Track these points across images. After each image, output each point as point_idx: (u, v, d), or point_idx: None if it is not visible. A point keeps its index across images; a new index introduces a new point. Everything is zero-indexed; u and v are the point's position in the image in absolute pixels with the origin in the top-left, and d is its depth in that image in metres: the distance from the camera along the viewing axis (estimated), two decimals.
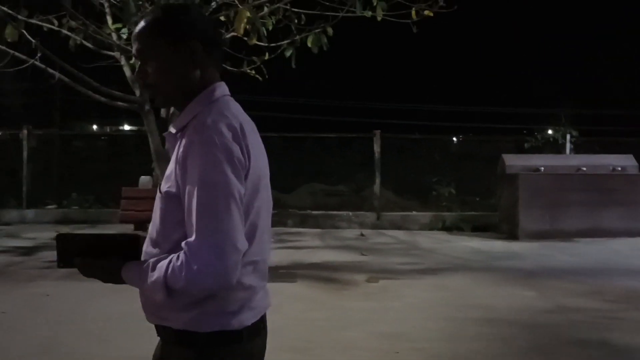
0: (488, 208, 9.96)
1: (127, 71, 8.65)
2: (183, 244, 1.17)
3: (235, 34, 6.98)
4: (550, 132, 10.36)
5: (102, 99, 8.72)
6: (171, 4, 1.43)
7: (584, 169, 8.91)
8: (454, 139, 11.26)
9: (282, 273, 6.05)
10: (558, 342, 4.11)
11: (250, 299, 1.27)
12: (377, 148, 10.27)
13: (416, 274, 6.23)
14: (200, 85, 1.30)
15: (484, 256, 7.34)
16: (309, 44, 7.20)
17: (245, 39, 7.21)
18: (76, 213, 10.07)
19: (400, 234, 9.30)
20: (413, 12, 7.63)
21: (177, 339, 1.26)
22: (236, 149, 1.20)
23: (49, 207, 10.27)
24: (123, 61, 8.54)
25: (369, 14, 7.78)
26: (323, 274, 6.21)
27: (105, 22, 8.54)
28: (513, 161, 9.18)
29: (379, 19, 7.72)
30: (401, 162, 10.51)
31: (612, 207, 8.62)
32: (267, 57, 8.31)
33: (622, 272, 6.32)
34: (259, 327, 1.32)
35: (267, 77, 8.78)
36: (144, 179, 6.52)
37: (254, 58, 8.64)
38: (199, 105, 1.28)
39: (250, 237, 1.23)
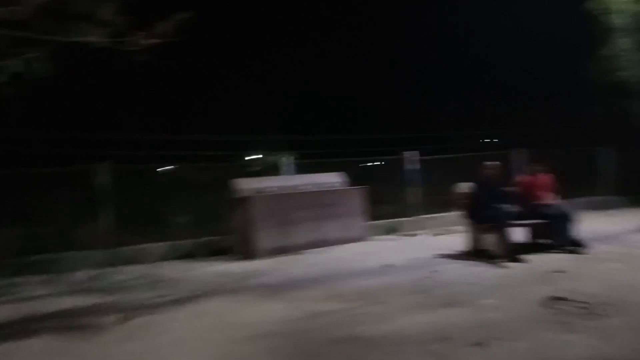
0: (222, 232, 10.25)
1: None
2: None
3: None
4: (270, 157, 11.25)
5: None
6: None
7: (307, 187, 9.94)
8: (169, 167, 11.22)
9: (17, 330, 5.23)
10: (319, 343, 4.52)
11: None
12: (103, 180, 9.67)
13: (171, 306, 6.08)
14: None
15: (231, 278, 7.57)
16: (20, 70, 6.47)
17: None
18: None
19: (138, 268, 8.91)
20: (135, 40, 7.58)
21: None
22: None
23: None
24: None
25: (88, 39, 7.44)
26: (66, 323, 5.58)
27: None
28: (243, 185, 9.70)
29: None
30: (130, 193, 10.05)
31: (331, 220, 9.81)
32: None
33: (351, 274, 7.24)
34: None
35: None
36: None
37: None
38: None
39: None
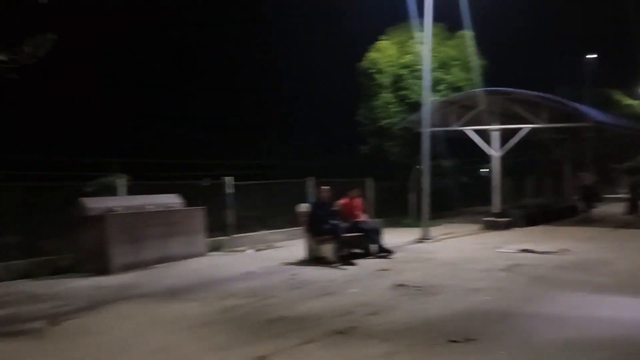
0: (61, 251, 10.23)
1: None
2: None
3: None
4: (106, 178, 11.53)
5: None
6: None
7: (151, 207, 10.65)
8: None
9: None
10: (258, 323, 5.80)
11: None
12: None
13: (85, 312, 6.51)
14: None
15: (109, 290, 8.00)
16: None
17: None
18: None
19: None
20: None
21: None
22: None
23: None
24: None
25: None
26: (8, 329, 5.72)
27: None
28: (92, 204, 9.98)
29: None
30: None
31: (175, 237, 10.69)
32: None
33: (223, 280, 8.40)
34: None
35: None
36: None
37: None
38: None
39: None
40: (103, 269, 9.48)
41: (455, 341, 4.87)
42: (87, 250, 9.82)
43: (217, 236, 13.10)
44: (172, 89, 26.56)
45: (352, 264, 9.28)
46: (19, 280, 9.32)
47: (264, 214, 15.04)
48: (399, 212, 17.77)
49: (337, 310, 6.19)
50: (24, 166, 12.83)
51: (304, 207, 10.23)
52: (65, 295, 7.72)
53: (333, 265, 9.22)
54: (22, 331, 5.72)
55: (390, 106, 17.99)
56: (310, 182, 15.51)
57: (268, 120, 28.52)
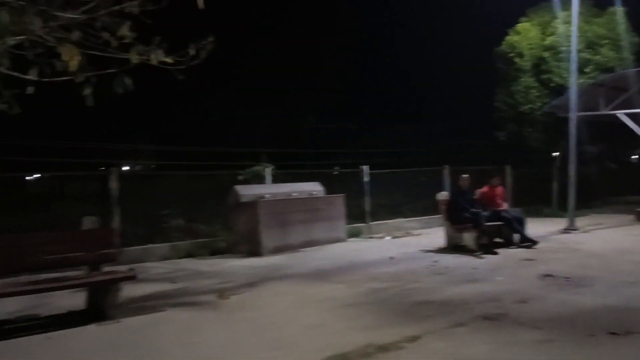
0: (218, 234, 11.27)
1: None
2: None
3: None
4: (255, 167, 12.47)
5: None
6: None
7: (296, 194, 11.33)
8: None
9: (148, 306, 6.18)
10: (404, 305, 6.04)
11: None
12: (114, 185, 10.35)
13: (246, 288, 7.23)
14: None
15: (262, 270, 8.76)
16: (116, 85, 7.28)
17: None
18: None
19: (160, 265, 9.74)
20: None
21: None
22: None
23: None
24: None
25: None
26: (178, 301, 6.57)
27: None
28: (244, 191, 10.88)
29: (134, 61, 8.35)
30: (137, 198, 10.77)
31: (318, 222, 11.29)
32: (30, 91, 7.79)
33: (367, 264, 8.78)
34: None
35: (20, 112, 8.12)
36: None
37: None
38: None
39: None
40: (255, 251, 10.32)
41: (614, 333, 4.74)
42: (241, 234, 10.73)
43: (354, 223, 13.57)
44: (308, 81, 27.59)
45: (494, 253, 9.18)
46: (184, 259, 10.45)
47: (399, 202, 15.26)
48: (539, 201, 17.03)
49: (484, 297, 6.23)
50: (185, 157, 14.25)
51: (443, 195, 10.28)
52: (226, 273, 8.56)
53: (474, 253, 9.19)
54: (197, 302, 6.51)
55: (531, 91, 17.27)
56: (446, 170, 15.41)
57: (399, 108, 28.61)
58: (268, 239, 10.41)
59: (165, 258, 10.59)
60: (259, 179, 12.39)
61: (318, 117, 26.88)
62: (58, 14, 7.02)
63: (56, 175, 11.68)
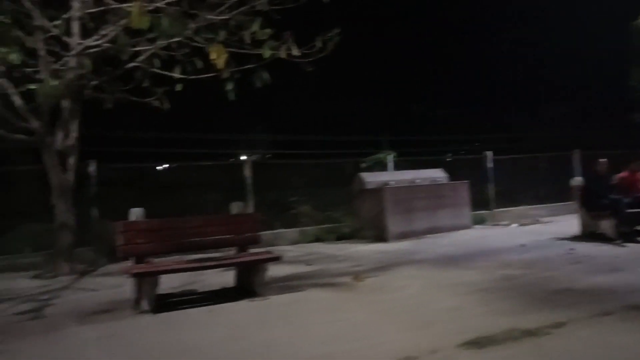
0: (343, 220, 11.66)
1: (18, 100, 7.84)
2: None
3: None
4: (378, 155, 12.72)
5: None
6: None
7: (420, 181, 11.40)
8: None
9: (289, 285, 6.66)
10: (542, 293, 5.95)
11: None
12: (248, 173, 11.09)
13: (378, 272, 7.49)
14: None
15: (390, 255, 8.98)
16: (256, 79, 7.89)
17: None
18: None
19: (292, 248, 10.31)
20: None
21: None
22: None
23: None
24: (11, 89, 7.74)
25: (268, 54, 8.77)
26: (317, 281, 6.99)
27: None
28: (369, 178, 11.14)
29: (266, 56, 8.80)
30: (264, 185, 11.46)
31: (442, 209, 11.28)
32: (179, 87, 8.59)
33: (497, 251, 8.68)
34: None
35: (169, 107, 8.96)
36: (135, 211, 6.24)
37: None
38: None
39: None
40: (381, 237, 10.55)
41: None
42: (366, 220, 11.02)
43: (477, 210, 13.35)
44: (424, 67, 27.24)
45: (637, 242, 8.66)
46: (312, 244, 10.95)
47: (523, 188, 14.74)
48: None
49: (630, 287, 5.97)
50: (302, 146, 14.85)
51: (578, 181, 9.83)
52: (356, 257, 8.88)
53: (614, 242, 8.73)
54: (334, 284, 6.87)
55: None
56: (577, 155, 14.63)
57: (517, 91, 27.30)
58: (393, 225, 10.60)
59: (294, 242, 11.17)
60: (381, 166, 12.61)
61: (433, 103, 26.48)
62: (208, 16, 7.70)
63: (199, 164, 12.59)
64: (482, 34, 28.54)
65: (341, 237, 11.28)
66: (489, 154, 13.80)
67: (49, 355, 4.57)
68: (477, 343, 4.33)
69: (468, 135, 18.99)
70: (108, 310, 5.93)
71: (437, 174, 11.93)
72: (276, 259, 6.38)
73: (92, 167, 9.41)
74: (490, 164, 13.76)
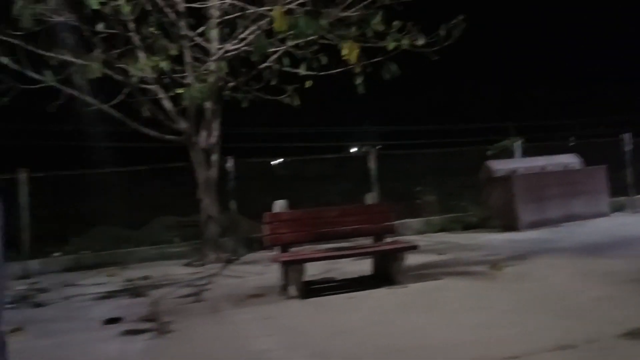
0: (468, 209, 11.49)
1: (167, 104, 8.58)
2: None
3: None
4: (505, 141, 12.36)
5: (152, 132, 8.51)
6: None
7: (551, 167, 10.94)
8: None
9: (425, 273, 6.79)
10: None
11: None
12: (372, 164, 11.30)
13: (515, 261, 7.36)
14: None
15: (523, 244, 8.74)
16: (385, 72, 8.06)
17: None
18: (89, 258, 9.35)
19: (417, 238, 10.36)
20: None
21: None
22: None
23: (55, 254, 9.36)
24: (162, 94, 8.47)
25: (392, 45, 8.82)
26: (451, 270, 7.04)
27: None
28: (497, 166, 10.88)
29: (390, 47, 8.81)
30: (390, 175, 11.60)
31: (577, 196, 10.75)
32: (309, 84, 8.94)
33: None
34: None
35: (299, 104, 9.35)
36: (279, 203, 6.69)
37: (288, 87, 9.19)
38: None
39: None
40: (511, 226, 10.29)
41: None
42: (494, 209, 10.79)
43: (614, 197, 12.53)
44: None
45: None
46: (438, 233, 10.92)
47: None
48: None
49: None
50: (430, 135, 14.76)
51: None
52: (489, 246, 8.76)
53: None
54: (471, 272, 6.87)
55: None
56: None
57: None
58: (524, 213, 10.29)
59: (420, 232, 11.20)
60: (507, 154, 12.24)
61: (558, 86, 25.07)
62: (340, 13, 7.96)
63: (322, 157, 13.01)
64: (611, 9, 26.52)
65: (468, 227, 11.14)
66: (627, 136, 12.89)
67: (217, 333, 5.05)
68: (638, 334, 4.18)
69: (600, 117, 17.79)
70: (258, 295, 6.39)
71: (570, 160, 11.37)
72: (413, 248, 6.51)
73: (229, 163, 10.09)
74: (628, 147, 12.86)
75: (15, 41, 7.32)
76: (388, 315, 5.16)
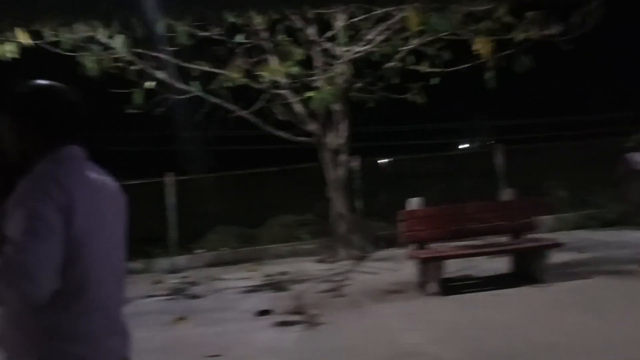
0: (606, 205, 10.80)
1: (298, 107, 8.95)
2: None
3: None
4: None
5: (284, 134, 8.95)
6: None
7: None
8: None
9: (569, 272, 6.56)
10: None
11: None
12: (499, 160, 11.03)
13: None
14: (39, 149, 1.54)
15: None
16: (517, 65, 7.89)
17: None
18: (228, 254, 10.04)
19: (551, 236, 9.94)
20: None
21: None
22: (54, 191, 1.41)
23: (198, 251, 10.17)
24: (292, 98, 8.84)
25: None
26: (597, 269, 6.73)
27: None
28: (637, 158, 10.12)
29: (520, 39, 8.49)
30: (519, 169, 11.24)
31: None
32: (435, 81, 8.92)
33: None
34: None
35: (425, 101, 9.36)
36: (414, 201, 6.81)
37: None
38: (42, 162, 1.52)
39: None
40: None
41: None
42: (636, 204, 10.06)
43: None
44: None
45: None
46: (573, 231, 10.38)
47: None
48: None
49: None
50: (565, 127, 14.08)
51: None
52: (633, 244, 8.20)
53: None
54: (621, 271, 6.51)
55: None
56: None
57: None
58: None
59: (552, 230, 10.68)
60: None
61: None
62: (472, 9, 7.90)
63: (446, 154, 12.90)
64: None
65: (605, 224, 10.49)
66: None
67: (363, 326, 5.25)
68: None
69: None
70: (395, 291, 6.50)
71: None
72: (558, 246, 6.30)
73: (356, 163, 10.31)
74: None
75: (168, 57, 8.03)
76: (540, 314, 5.06)
